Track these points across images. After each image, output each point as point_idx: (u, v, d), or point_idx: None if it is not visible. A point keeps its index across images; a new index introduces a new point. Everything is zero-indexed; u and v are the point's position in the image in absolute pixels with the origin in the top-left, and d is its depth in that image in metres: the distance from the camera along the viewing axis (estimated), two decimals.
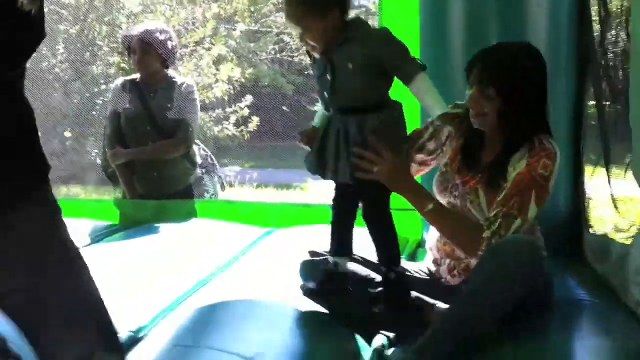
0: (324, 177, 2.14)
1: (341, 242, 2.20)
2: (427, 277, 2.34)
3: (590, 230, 2.91)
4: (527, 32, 2.89)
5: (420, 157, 2.32)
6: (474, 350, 1.85)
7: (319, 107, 2.18)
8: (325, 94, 2.08)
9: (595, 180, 2.94)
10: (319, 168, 2.14)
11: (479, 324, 1.85)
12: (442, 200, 2.23)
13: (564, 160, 2.99)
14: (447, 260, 2.25)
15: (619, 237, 2.69)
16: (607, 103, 2.92)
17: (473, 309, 1.85)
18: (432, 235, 2.34)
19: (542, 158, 2.04)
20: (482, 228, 2.02)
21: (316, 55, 2.08)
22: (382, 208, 2.15)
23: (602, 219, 3.02)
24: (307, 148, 2.15)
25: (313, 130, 2.15)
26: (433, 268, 2.33)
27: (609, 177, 2.82)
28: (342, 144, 2.06)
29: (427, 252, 2.39)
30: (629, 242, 2.39)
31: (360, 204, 2.17)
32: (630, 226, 2.64)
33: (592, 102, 2.99)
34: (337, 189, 2.19)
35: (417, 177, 2.35)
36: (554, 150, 2.08)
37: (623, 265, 2.26)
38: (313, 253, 2.36)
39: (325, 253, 2.27)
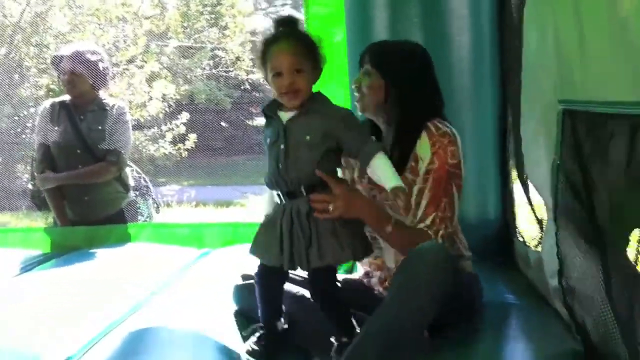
0: (275, 265, 2.00)
1: (274, 310, 2.14)
2: (363, 290, 2.37)
3: (519, 237, 2.99)
4: (450, 48, 2.99)
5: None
6: (403, 356, 1.86)
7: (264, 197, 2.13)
8: (275, 164, 1.99)
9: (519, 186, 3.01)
10: (269, 255, 2.01)
11: (400, 328, 1.86)
12: None
13: (491, 168, 3.09)
14: (378, 273, 2.32)
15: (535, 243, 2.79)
16: None
17: (394, 313, 1.87)
18: None
19: (447, 146, 2.10)
20: (426, 234, 2.06)
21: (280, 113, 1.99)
22: (334, 285, 2.08)
23: (526, 225, 3.10)
24: None
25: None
26: (365, 281, 2.38)
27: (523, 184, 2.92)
28: (296, 231, 1.96)
29: (358, 267, 2.43)
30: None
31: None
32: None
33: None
34: (265, 268, 2.08)
35: None
36: (453, 133, 2.14)
37: (542, 270, 2.33)
38: (246, 277, 2.35)
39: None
